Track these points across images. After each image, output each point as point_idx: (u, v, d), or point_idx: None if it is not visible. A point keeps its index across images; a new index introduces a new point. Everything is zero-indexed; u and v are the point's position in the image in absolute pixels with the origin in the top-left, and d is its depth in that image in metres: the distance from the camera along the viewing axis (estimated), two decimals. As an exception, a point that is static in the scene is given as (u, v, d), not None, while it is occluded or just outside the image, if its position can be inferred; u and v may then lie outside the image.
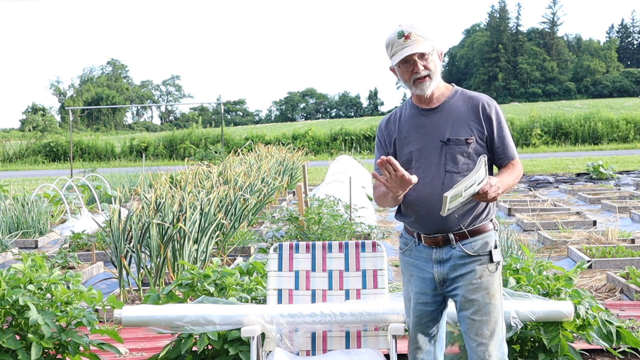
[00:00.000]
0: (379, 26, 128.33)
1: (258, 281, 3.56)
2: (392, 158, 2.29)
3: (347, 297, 3.05)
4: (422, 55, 2.35)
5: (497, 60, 70.93)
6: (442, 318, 2.57)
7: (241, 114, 73.24)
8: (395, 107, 2.64)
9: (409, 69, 2.36)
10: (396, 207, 2.57)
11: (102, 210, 9.63)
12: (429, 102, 2.44)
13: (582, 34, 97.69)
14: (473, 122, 2.39)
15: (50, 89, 67.24)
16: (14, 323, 3.22)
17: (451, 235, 2.40)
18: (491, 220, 2.45)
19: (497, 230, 2.47)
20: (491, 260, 2.39)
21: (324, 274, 3.09)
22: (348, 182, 8.03)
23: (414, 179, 2.31)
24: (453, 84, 2.51)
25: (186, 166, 10.84)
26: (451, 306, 2.63)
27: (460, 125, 2.38)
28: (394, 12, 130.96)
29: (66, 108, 34.54)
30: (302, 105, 74.99)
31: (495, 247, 2.42)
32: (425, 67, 2.36)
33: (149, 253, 5.10)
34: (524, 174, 15.26)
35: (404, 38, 2.34)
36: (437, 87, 2.43)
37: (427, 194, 2.40)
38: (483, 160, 2.20)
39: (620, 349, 3.42)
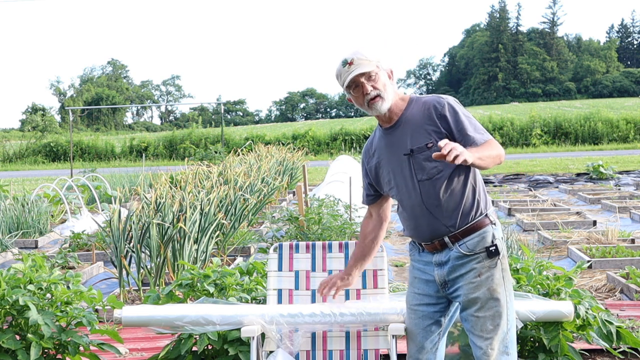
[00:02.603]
0: (379, 26, 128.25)
1: (258, 281, 3.55)
2: (322, 287, 2.81)
3: (347, 297, 3.04)
4: (368, 77, 2.42)
5: (497, 60, 70.91)
6: (442, 326, 2.55)
7: (241, 114, 73.26)
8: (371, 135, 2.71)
9: (359, 92, 2.44)
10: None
11: (102, 210, 9.63)
12: (390, 120, 2.49)
13: (582, 34, 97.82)
14: (429, 125, 2.41)
15: (50, 89, 67.34)
16: (14, 323, 3.22)
17: (446, 239, 2.42)
18: (486, 216, 2.43)
19: (495, 225, 2.44)
20: (489, 256, 2.40)
21: (324, 274, 3.09)
22: (348, 182, 8.03)
23: (346, 277, 2.78)
24: (412, 94, 2.56)
25: (186, 166, 10.85)
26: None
27: (419, 133, 2.41)
28: (393, 12, 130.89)
29: (66, 108, 34.55)
30: (302, 105, 75.02)
31: (493, 241, 2.41)
32: (374, 87, 2.42)
33: (149, 253, 5.10)
34: (523, 174, 15.44)
35: (348, 65, 2.42)
36: (395, 104, 2.47)
37: (411, 207, 2.47)
38: None
39: (620, 349, 3.42)
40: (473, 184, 2.45)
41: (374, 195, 2.65)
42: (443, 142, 2.18)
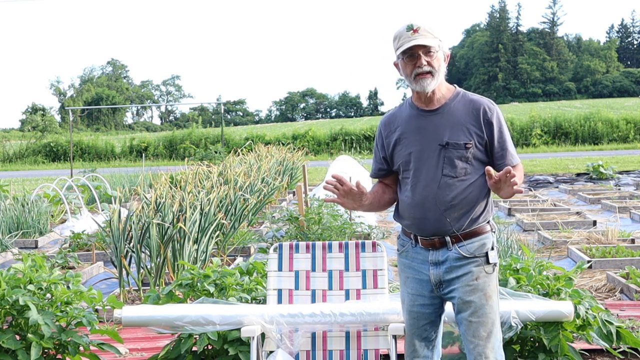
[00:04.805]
0: (379, 26, 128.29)
1: (258, 281, 3.55)
2: (337, 175, 2.45)
3: (347, 297, 3.05)
4: (427, 51, 2.33)
5: (497, 60, 70.75)
6: (440, 323, 2.54)
7: (241, 114, 73.21)
8: (394, 107, 2.59)
9: (412, 62, 2.34)
10: (394, 208, 2.56)
11: (102, 210, 9.62)
12: (429, 103, 2.40)
13: (582, 34, 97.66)
14: (473, 126, 2.36)
15: (50, 89, 67.24)
16: (14, 323, 3.21)
17: (448, 238, 2.39)
18: (488, 222, 2.43)
19: (494, 232, 2.45)
20: (487, 262, 2.38)
21: (324, 274, 3.09)
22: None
23: (366, 190, 2.45)
24: (455, 85, 2.48)
25: (186, 166, 10.84)
26: (450, 306, 2.62)
27: (460, 129, 2.36)
28: (394, 11, 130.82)
29: (66, 108, 34.55)
30: (302, 105, 74.93)
31: (492, 248, 2.40)
32: (429, 63, 2.33)
33: (149, 253, 5.10)
34: (523, 174, 15.27)
35: (412, 31, 2.32)
36: (439, 89, 2.40)
37: (423, 197, 2.39)
38: None
39: (620, 349, 3.42)
40: (488, 193, 2.43)
41: (387, 170, 2.52)
42: (509, 170, 2.23)
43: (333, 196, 2.47)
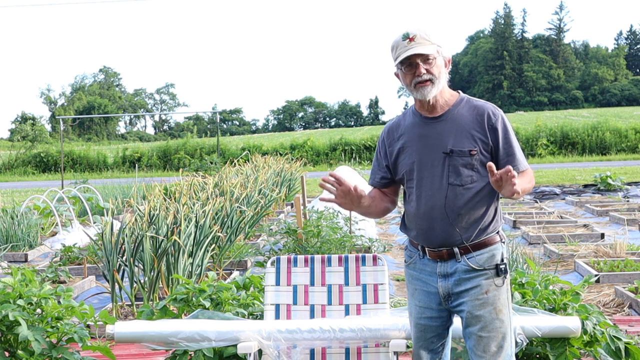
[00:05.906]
0: (379, 33, 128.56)
1: (255, 296, 3.50)
2: (334, 173, 2.37)
3: (347, 312, 3.03)
4: (425, 59, 2.31)
5: (502, 67, 69.51)
6: (447, 335, 2.50)
7: (237, 123, 73.19)
8: (397, 115, 2.58)
9: (411, 71, 2.33)
10: (401, 220, 2.53)
11: (94, 222, 9.53)
12: (433, 110, 2.39)
13: (590, 41, 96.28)
14: (477, 132, 2.34)
15: (41, 98, 67.03)
16: (3, 339, 3.17)
17: (456, 249, 2.35)
18: (497, 233, 2.39)
19: (504, 243, 2.41)
20: (497, 274, 2.35)
21: (323, 288, 3.06)
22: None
23: (364, 192, 2.39)
24: (459, 91, 2.46)
25: (181, 177, 10.76)
26: (454, 322, 2.57)
27: (464, 136, 2.33)
28: (394, 18, 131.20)
29: (57, 117, 34.55)
30: (300, 115, 74.78)
31: (502, 260, 2.37)
32: (428, 71, 2.31)
33: (142, 267, 5.03)
34: (533, 181, 15.11)
35: (408, 40, 2.31)
36: (442, 95, 2.38)
37: (430, 207, 2.35)
38: None
39: (628, 366, 3.36)
40: (496, 201, 2.40)
41: (390, 179, 2.48)
42: (509, 169, 2.15)
43: (330, 196, 2.41)
